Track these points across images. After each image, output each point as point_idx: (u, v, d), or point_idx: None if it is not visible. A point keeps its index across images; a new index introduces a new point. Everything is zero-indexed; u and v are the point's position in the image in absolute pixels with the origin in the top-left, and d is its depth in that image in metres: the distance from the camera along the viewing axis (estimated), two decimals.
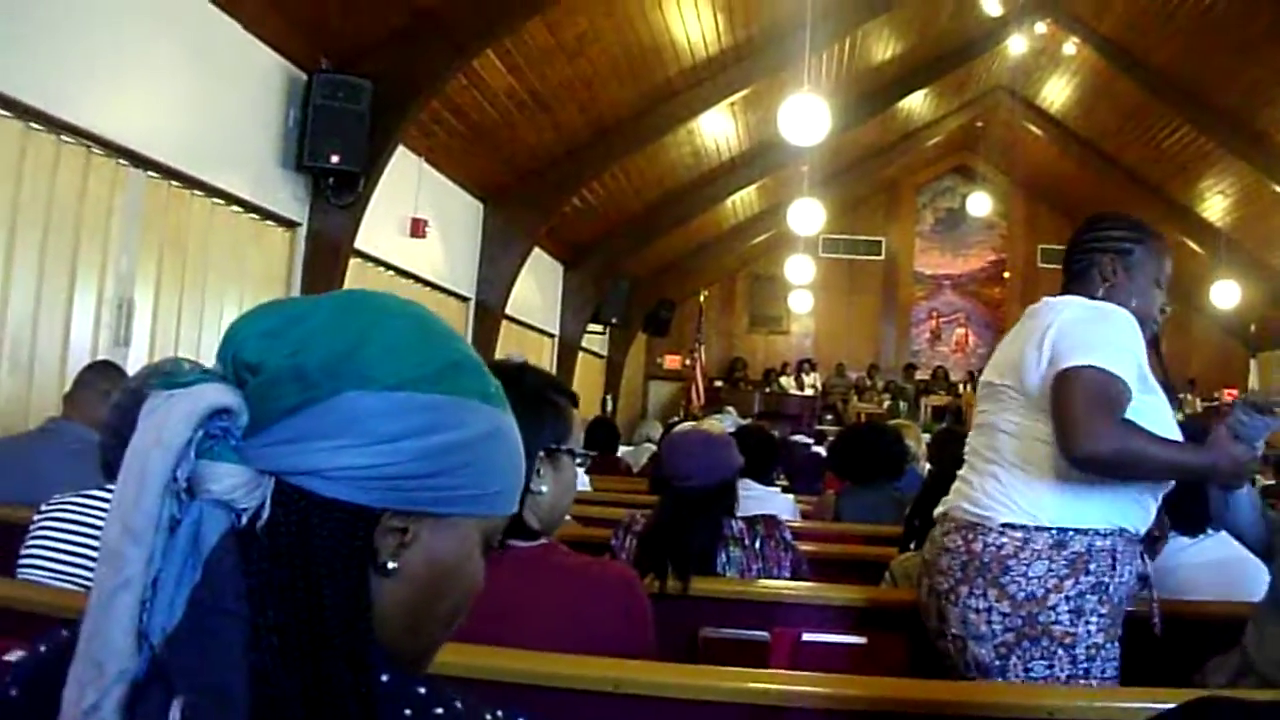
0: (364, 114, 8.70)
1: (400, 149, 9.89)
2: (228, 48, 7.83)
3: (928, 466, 6.22)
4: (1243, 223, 17.38)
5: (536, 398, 2.33)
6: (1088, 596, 2.83)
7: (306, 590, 0.97)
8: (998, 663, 2.86)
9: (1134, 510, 2.93)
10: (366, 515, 1.02)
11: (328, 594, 0.98)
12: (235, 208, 8.24)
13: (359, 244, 9.57)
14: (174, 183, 7.45)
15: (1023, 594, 2.84)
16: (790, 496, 6.32)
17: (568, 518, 4.07)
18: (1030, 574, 2.84)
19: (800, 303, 21.26)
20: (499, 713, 1.09)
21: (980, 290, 24.01)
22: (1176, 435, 2.89)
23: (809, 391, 22.08)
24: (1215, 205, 17.55)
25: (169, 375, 1.00)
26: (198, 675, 0.92)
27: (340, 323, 1.05)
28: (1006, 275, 23.77)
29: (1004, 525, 2.90)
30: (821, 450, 11.04)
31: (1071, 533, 2.85)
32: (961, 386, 21.52)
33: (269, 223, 8.74)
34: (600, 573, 2.41)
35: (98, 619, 0.94)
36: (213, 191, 7.89)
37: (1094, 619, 2.83)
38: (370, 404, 1.01)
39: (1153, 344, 3.06)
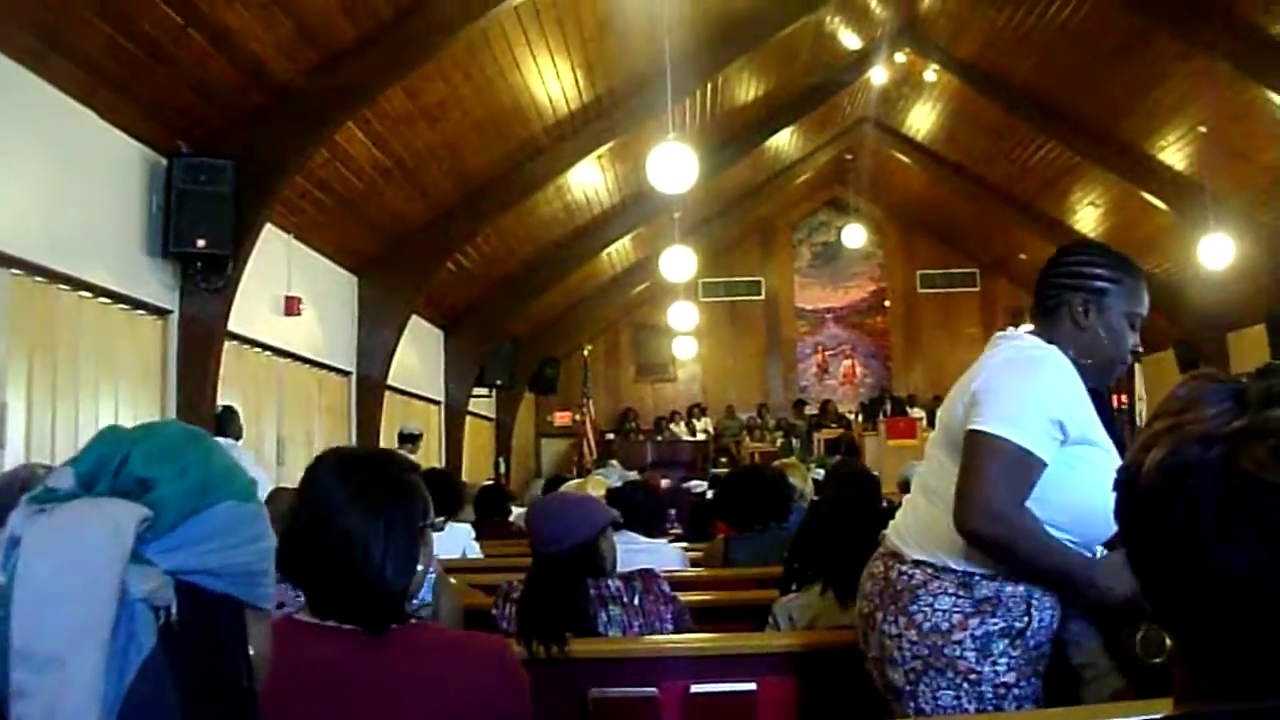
0: (228, 195, 8.61)
1: (268, 228, 9.82)
2: (85, 138, 7.72)
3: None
4: (1114, 232, 17.73)
5: (404, 484, 2.32)
6: (996, 638, 2.81)
7: (221, 680, 1.13)
8: (909, 688, 2.86)
9: None
10: (240, 608, 1.18)
11: (239, 681, 1.16)
12: (104, 299, 8.09)
13: (233, 327, 9.45)
14: (38, 278, 7.29)
15: (928, 625, 2.83)
16: (677, 546, 6.32)
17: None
18: (937, 606, 2.84)
19: (685, 349, 21.39)
20: None
21: (863, 321, 24.27)
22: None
23: (701, 436, 22.20)
24: (1087, 217, 17.92)
25: (51, 489, 1.13)
26: None
27: (201, 446, 1.21)
28: (888, 304, 24.07)
29: (915, 560, 2.90)
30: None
31: (978, 577, 2.83)
32: (852, 418, 21.72)
33: (140, 312, 8.59)
34: (470, 645, 2.38)
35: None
36: (79, 285, 7.74)
37: (1002, 660, 2.81)
38: (239, 512, 1.18)
39: (1116, 388, 3.01)
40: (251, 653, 1.19)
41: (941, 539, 2.86)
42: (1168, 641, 1.21)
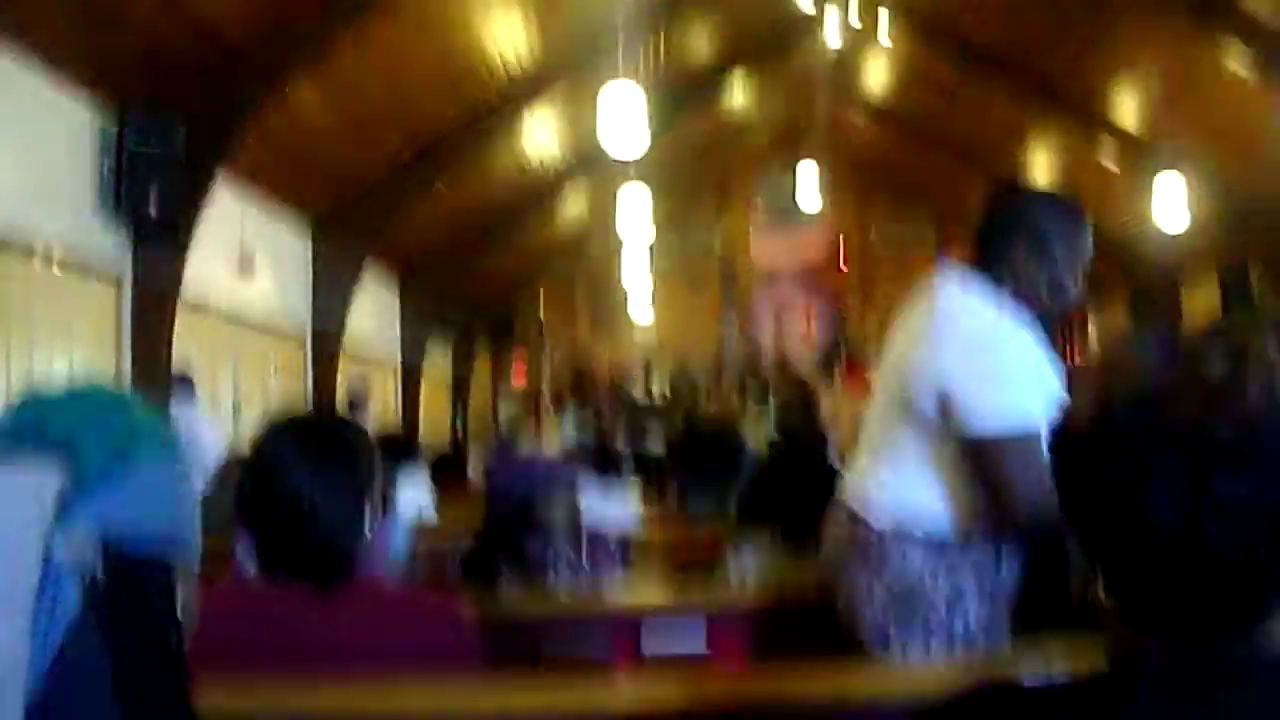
0: (178, 156, 8.53)
1: (221, 187, 9.73)
2: (33, 102, 7.65)
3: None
4: (1067, 188, 17.72)
5: (352, 445, 2.36)
6: (967, 594, 2.85)
7: (149, 641, 1.14)
8: (880, 639, 2.88)
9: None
10: (169, 570, 1.19)
11: (169, 641, 1.17)
12: (56, 269, 8.03)
13: (187, 290, 9.40)
14: None
15: (899, 583, 2.86)
16: (633, 502, 6.35)
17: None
18: (907, 565, 2.86)
19: (640, 307, 21.37)
20: None
21: (819, 279, 24.27)
22: None
23: (657, 394, 22.19)
24: (1041, 170, 17.98)
25: None
26: None
27: (122, 406, 1.23)
28: (844, 261, 24.06)
29: (880, 525, 2.91)
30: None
31: (948, 537, 2.86)
32: (807, 372, 21.73)
33: (92, 279, 8.52)
34: (420, 602, 2.40)
35: None
36: (30, 250, 7.68)
37: (972, 615, 2.84)
38: (162, 472, 1.20)
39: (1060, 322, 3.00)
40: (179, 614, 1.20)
41: (905, 505, 2.89)
42: (1103, 595, 1.23)
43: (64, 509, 1.07)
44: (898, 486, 2.93)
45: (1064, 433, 1.24)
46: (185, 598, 1.25)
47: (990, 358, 2.80)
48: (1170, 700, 1.13)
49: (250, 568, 2.29)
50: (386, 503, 3.98)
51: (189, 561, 1.23)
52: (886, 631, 2.87)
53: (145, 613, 1.12)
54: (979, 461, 2.76)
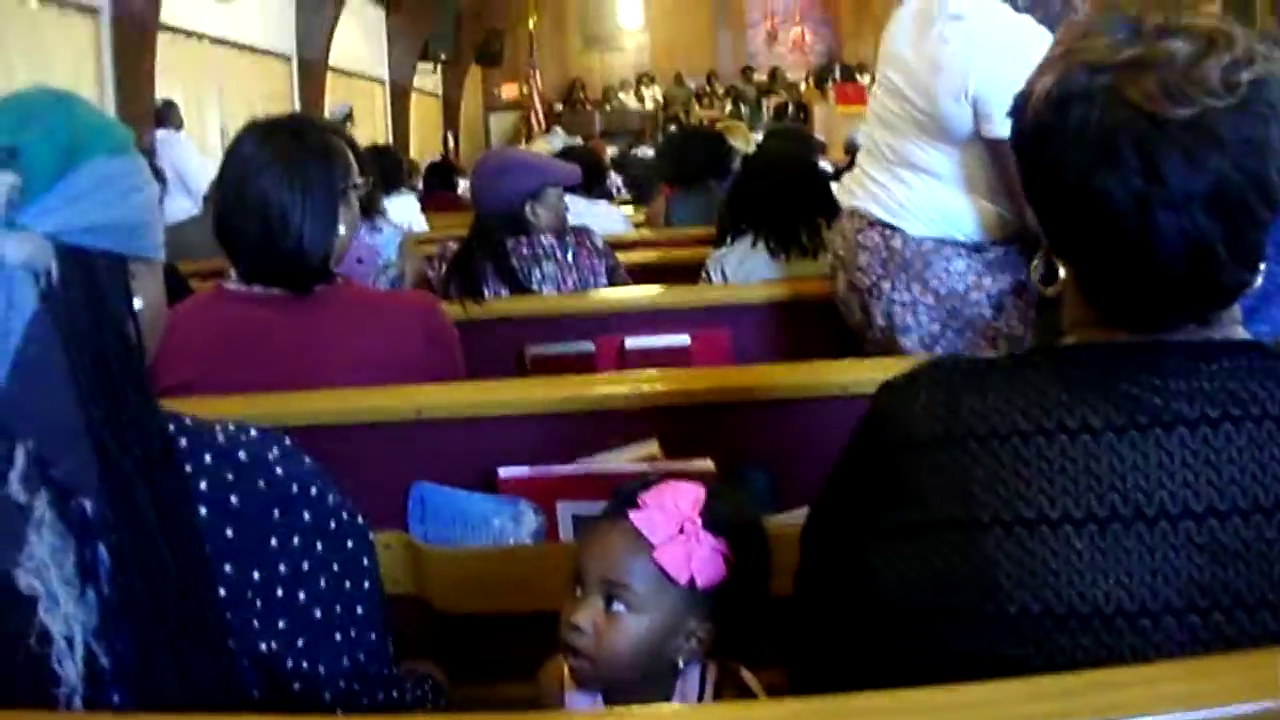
0: None
1: None
2: None
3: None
4: None
5: (324, 145, 2.33)
6: (1008, 294, 2.90)
7: (105, 334, 1.13)
8: (928, 344, 2.94)
9: None
10: (124, 264, 1.17)
11: (125, 334, 1.15)
12: (32, 3, 7.85)
13: (166, 17, 9.19)
14: None
15: (945, 289, 2.91)
16: (620, 208, 6.38)
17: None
18: (951, 269, 2.91)
19: (632, 17, 20.99)
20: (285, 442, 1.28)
21: None
22: None
23: (650, 105, 21.95)
24: None
25: None
26: (39, 419, 1.09)
27: (64, 106, 1.19)
28: None
29: (920, 236, 2.95)
30: None
31: (987, 243, 2.92)
32: (801, 84, 21.41)
33: (68, 10, 8.32)
34: (397, 302, 2.43)
35: None
36: None
37: (1015, 314, 2.90)
38: (113, 166, 1.16)
39: None
40: (140, 305, 1.19)
41: (947, 214, 2.93)
42: (1061, 272, 1.24)
43: (14, 211, 1.08)
44: (931, 196, 2.95)
45: (1021, 108, 1.24)
46: (152, 290, 1.26)
47: (1015, 58, 2.76)
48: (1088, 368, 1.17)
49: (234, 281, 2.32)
50: (372, 207, 4.01)
51: (150, 254, 1.23)
52: (936, 337, 2.94)
53: (101, 308, 1.13)
54: (1004, 163, 2.74)
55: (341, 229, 2.32)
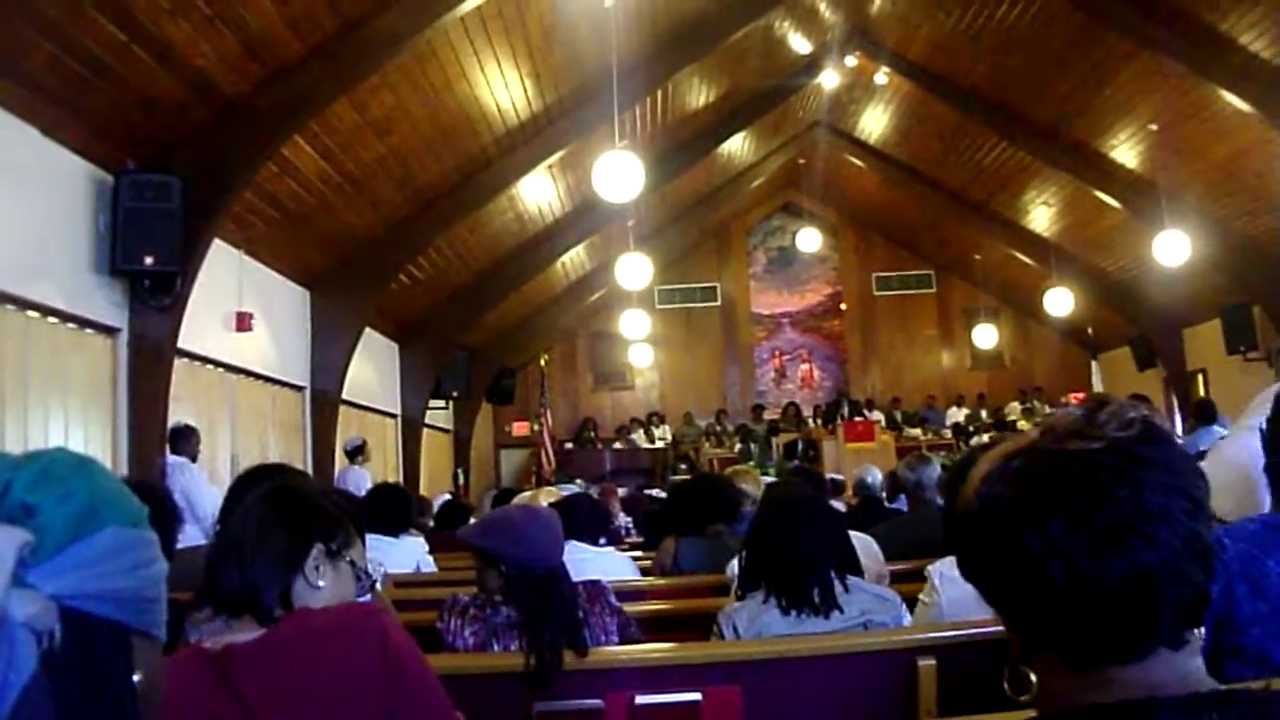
0: (175, 212, 8.58)
1: (217, 243, 9.79)
2: (30, 157, 7.69)
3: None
4: (1069, 231, 17.94)
5: (300, 503, 2.40)
6: None
7: (102, 707, 1.11)
8: None
9: None
10: (127, 635, 1.16)
11: (122, 710, 1.13)
12: (52, 318, 8.06)
13: (184, 344, 9.42)
14: None
15: None
16: (626, 555, 6.35)
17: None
18: None
19: (642, 356, 21.41)
20: None
21: (820, 324, 24.38)
22: None
23: (660, 444, 22.20)
24: (1040, 216, 18.10)
25: None
26: None
27: (86, 471, 1.19)
28: (844, 307, 24.21)
29: None
30: None
31: None
32: (811, 421, 21.69)
33: (88, 331, 8.55)
34: (341, 619, 2.34)
35: None
36: (27, 304, 7.71)
37: None
38: (125, 537, 1.16)
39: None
40: (138, 679, 1.17)
41: None
42: (1033, 678, 1.26)
43: (23, 570, 1.07)
44: None
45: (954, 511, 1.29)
46: (151, 666, 1.22)
47: None
48: None
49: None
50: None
51: (152, 629, 1.21)
52: None
53: (100, 678, 1.11)
54: None
55: (321, 583, 2.33)
